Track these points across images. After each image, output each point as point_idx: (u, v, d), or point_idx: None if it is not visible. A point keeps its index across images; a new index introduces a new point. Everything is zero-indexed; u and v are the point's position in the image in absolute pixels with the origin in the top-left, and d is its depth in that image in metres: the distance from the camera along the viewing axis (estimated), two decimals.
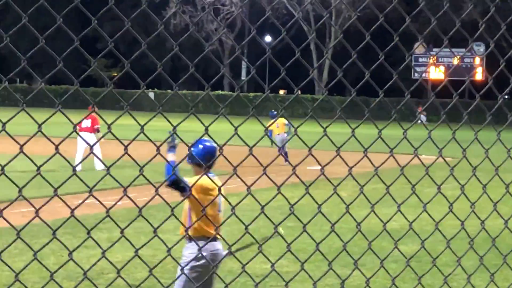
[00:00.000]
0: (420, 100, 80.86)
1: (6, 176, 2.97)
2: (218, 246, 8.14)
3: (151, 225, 3.58)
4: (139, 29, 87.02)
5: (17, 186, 2.99)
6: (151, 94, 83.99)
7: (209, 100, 73.82)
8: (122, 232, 3.46)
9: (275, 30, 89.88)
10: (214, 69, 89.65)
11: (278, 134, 29.39)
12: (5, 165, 2.88)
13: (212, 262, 7.81)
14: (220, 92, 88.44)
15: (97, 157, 3.52)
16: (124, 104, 3.19)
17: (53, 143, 3.04)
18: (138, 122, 3.23)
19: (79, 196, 16.98)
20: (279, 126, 29.44)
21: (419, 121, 58.33)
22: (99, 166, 24.63)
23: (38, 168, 2.96)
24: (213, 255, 8.00)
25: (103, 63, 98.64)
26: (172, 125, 3.19)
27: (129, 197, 3.28)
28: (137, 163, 3.39)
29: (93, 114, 25.84)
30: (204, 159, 8.12)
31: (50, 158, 3.10)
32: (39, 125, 2.92)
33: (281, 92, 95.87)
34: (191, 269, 7.92)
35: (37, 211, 3.02)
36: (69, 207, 3.15)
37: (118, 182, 3.47)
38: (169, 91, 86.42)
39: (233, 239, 4.57)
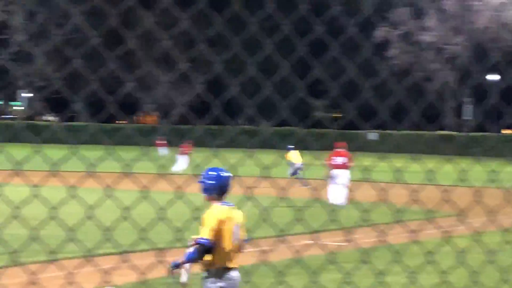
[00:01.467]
0: None
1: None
2: (234, 274, 8.21)
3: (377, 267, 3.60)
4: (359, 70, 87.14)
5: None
6: (374, 135, 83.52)
7: (431, 139, 72.61)
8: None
9: (497, 67, 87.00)
10: (435, 109, 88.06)
11: (295, 164, 35.28)
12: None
13: None
14: (441, 132, 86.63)
15: (329, 193, 3.61)
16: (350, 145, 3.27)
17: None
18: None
19: (303, 237, 16.89)
20: (296, 156, 35.48)
21: None
22: (338, 201, 25.29)
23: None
24: (230, 284, 8.14)
25: (323, 105, 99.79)
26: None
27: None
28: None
29: (345, 151, 27.44)
30: (218, 189, 8.00)
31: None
32: (265, 168, 3.06)
33: (510, 131, 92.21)
34: None
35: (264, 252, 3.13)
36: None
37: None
38: (390, 131, 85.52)
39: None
